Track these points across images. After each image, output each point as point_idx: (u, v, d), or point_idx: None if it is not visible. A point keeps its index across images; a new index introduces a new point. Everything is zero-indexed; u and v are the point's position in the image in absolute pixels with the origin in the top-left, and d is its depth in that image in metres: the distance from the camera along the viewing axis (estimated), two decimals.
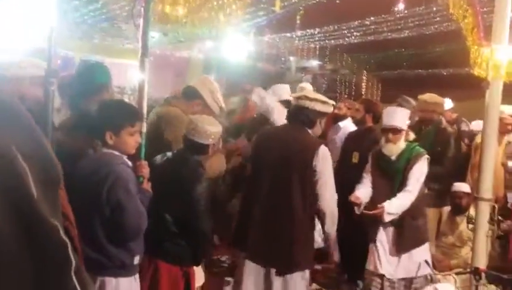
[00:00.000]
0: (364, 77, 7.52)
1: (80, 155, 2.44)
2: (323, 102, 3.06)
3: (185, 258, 2.69)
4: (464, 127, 4.52)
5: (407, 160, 3.46)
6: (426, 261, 3.55)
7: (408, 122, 3.73)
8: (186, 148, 2.78)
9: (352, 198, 3.41)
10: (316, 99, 3.05)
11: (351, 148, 4.39)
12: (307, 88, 5.25)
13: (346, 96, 7.17)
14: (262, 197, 2.96)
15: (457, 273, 3.57)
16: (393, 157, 3.50)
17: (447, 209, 4.50)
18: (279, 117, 3.61)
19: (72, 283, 0.80)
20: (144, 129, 2.57)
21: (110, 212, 2.24)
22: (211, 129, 2.75)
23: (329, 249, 3.35)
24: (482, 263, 3.72)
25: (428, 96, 4.58)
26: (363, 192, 3.54)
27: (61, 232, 0.80)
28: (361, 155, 4.18)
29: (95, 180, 2.25)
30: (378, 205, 3.35)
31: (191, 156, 2.74)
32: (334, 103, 3.23)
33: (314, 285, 4.44)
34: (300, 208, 2.90)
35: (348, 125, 4.86)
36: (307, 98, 3.07)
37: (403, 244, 3.48)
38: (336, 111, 4.87)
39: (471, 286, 3.42)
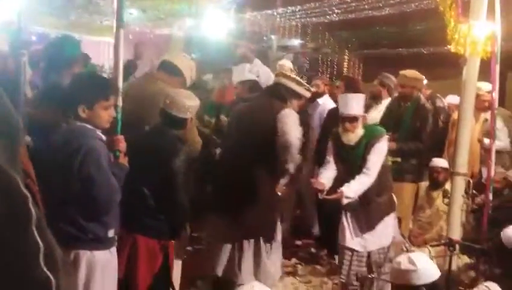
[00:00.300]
0: (346, 56, 7.51)
1: (53, 128, 2.41)
2: (299, 83, 3.08)
3: (163, 232, 2.70)
4: (439, 103, 4.57)
5: (366, 144, 3.47)
6: (393, 229, 3.68)
7: (380, 104, 3.73)
8: (164, 122, 2.76)
9: (315, 185, 3.42)
10: (291, 78, 3.08)
11: (332, 126, 4.41)
12: (286, 65, 5.24)
13: (328, 75, 7.16)
14: (229, 167, 2.98)
15: (432, 246, 3.67)
16: (352, 144, 3.50)
17: (424, 184, 4.57)
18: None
19: (33, 236, 0.78)
20: (120, 103, 2.54)
21: (81, 186, 2.22)
22: (189, 103, 2.73)
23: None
24: (456, 235, 3.81)
25: (409, 72, 4.61)
26: (326, 177, 3.55)
27: (21, 186, 0.79)
28: None
29: (67, 153, 2.23)
30: (338, 190, 3.40)
31: (168, 130, 2.73)
32: (312, 89, 3.25)
33: (294, 260, 4.52)
34: (264, 175, 2.91)
35: (326, 102, 4.87)
36: (282, 75, 3.10)
37: (370, 221, 3.56)
38: (314, 89, 4.87)
39: (446, 257, 3.53)
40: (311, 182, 3.47)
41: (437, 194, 4.51)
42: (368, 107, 5.03)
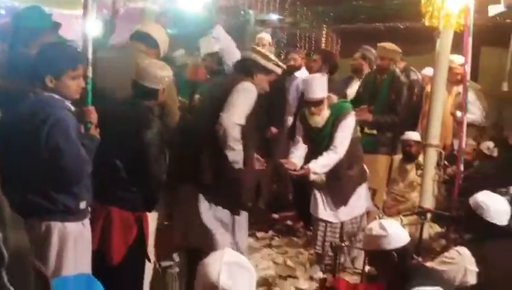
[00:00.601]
0: (323, 31, 7.48)
1: (21, 99, 2.35)
2: (267, 57, 3.05)
3: (137, 204, 2.69)
4: (413, 76, 4.61)
5: (333, 123, 3.49)
6: (366, 199, 3.78)
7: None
8: (135, 93, 2.72)
9: (286, 165, 3.44)
10: (259, 52, 3.05)
11: None
12: (265, 38, 5.19)
13: (306, 50, 7.13)
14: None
15: (404, 215, 3.76)
16: (319, 126, 3.53)
17: (398, 157, 4.65)
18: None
19: None
20: (90, 74, 2.49)
21: (50, 157, 2.19)
22: (161, 73, 2.69)
23: None
24: (428, 204, 3.92)
25: (388, 44, 4.63)
26: (298, 155, 3.59)
27: None
28: None
29: (34, 124, 2.18)
30: (304, 166, 3.42)
31: (140, 101, 2.69)
32: (283, 66, 3.21)
33: (271, 232, 4.58)
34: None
35: (303, 76, 4.87)
36: (253, 49, 3.08)
37: (343, 195, 3.64)
38: (292, 63, 4.87)
39: (417, 225, 3.63)
40: (283, 163, 3.49)
41: (410, 167, 4.61)
42: (349, 81, 5.08)
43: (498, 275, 2.47)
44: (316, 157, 3.48)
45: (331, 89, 4.43)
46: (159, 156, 2.66)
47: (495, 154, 4.30)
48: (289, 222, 4.84)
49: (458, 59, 4.23)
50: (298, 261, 3.98)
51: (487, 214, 2.56)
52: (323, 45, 7.39)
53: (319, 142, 3.55)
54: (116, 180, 2.65)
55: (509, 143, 6.46)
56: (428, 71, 4.83)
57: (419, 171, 4.27)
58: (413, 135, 4.48)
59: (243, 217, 3.08)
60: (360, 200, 3.72)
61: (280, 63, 3.15)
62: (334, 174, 3.57)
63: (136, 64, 2.77)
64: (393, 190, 4.68)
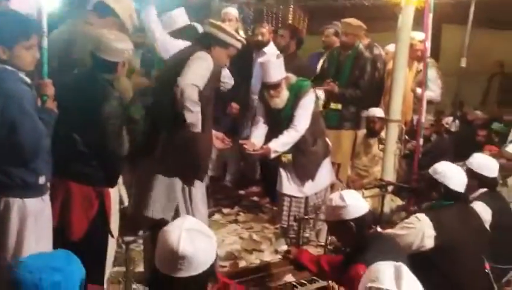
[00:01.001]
0: (290, 8, 7.44)
1: None
2: (225, 31, 3.00)
3: (98, 179, 2.65)
4: (376, 52, 4.67)
5: (293, 102, 3.50)
6: (330, 173, 3.85)
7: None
8: (94, 66, 2.65)
9: (246, 145, 3.44)
10: (217, 26, 3.01)
11: None
12: (232, 13, 5.09)
13: (273, 27, 7.08)
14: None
15: (366, 188, 3.86)
16: (279, 107, 3.52)
17: (362, 132, 4.74)
18: None
19: None
20: (45, 45, 2.41)
21: (5, 131, 2.12)
22: (120, 46, 2.62)
23: None
24: (390, 177, 4.05)
25: (353, 20, 4.65)
26: (258, 135, 3.60)
27: None
28: None
29: None
30: (264, 146, 3.46)
31: (98, 74, 2.63)
32: (243, 40, 3.17)
33: (237, 208, 4.62)
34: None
35: (271, 51, 4.81)
36: (210, 23, 3.02)
37: (308, 170, 3.68)
38: (260, 38, 4.81)
39: (379, 197, 3.74)
40: (241, 144, 3.49)
41: (373, 142, 4.71)
42: (320, 56, 5.08)
43: (452, 237, 2.60)
44: (276, 136, 3.51)
45: (296, 65, 4.48)
46: (118, 129, 2.62)
47: (453, 129, 4.44)
48: (255, 198, 4.88)
49: (419, 35, 4.31)
50: (264, 236, 4.04)
51: (447, 181, 2.69)
52: (290, 22, 7.35)
53: (280, 122, 3.57)
54: (76, 154, 2.60)
55: (468, 119, 6.72)
56: (392, 47, 4.91)
57: (382, 146, 4.37)
58: (377, 111, 4.56)
59: (200, 191, 3.07)
60: (324, 174, 3.78)
61: (239, 37, 3.10)
62: (300, 151, 3.61)
63: (93, 35, 2.69)
64: (357, 164, 4.78)
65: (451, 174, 2.72)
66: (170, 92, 2.74)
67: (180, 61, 2.85)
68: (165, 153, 2.89)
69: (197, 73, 2.78)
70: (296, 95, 3.51)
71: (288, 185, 3.70)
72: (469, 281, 2.56)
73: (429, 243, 2.59)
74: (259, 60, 4.05)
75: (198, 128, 2.81)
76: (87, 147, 2.59)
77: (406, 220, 2.75)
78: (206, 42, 2.98)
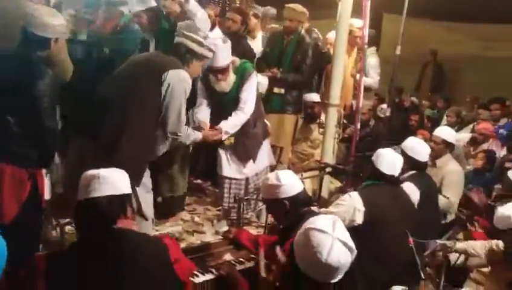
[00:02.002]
0: None
1: None
2: (202, 44, 3.04)
3: (31, 160, 2.56)
4: (314, 35, 4.78)
5: (238, 85, 3.54)
6: (268, 152, 3.95)
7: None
8: (25, 42, 2.54)
9: (202, 125, 3.50)
10: (196, 40, 3.03)
11: None
12: None
13: (219, 9, 7.00)
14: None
15: (306, 171, 3.98)
16: (226, 91, 3.55)
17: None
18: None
19: None
20: None
21: None
22: (52, 21, 2.53)
23: None
24: (329, 160, 4.18)
25: (297, 6, 4.70)
26: (202, 117, 3.63)
27: None
28: None
29: None
30: (216, 127, 3.50)
31: (30, 50, 2.52)
32: (213, 50, 3.17)
33: None
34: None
35: (216, 35, 4.73)
36: (186, 36, 3.02)
37: (249, 152, 3.75)
38: None
39: (317, 178, 3.88)
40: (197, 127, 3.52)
41: (314, 126, 4.85)
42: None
43: (379, 213, 2.80)
44: (221, 119, 3.54)
45: (241, 48, 4.51)
46: (52, 108, 2.53)
47: (388, 114, 4.65)
48: (198, 181, 4.89)
49: (357, 23, 4.45)
50: (205, 218, 4.06)
51: (378, 166, 2.92)
52: (238, 5, 7.30)
53: (226, 104, 3.60)
54: (8, 135, 2.49)
55: (404, 105, 7.05)
56: (332, 35, 5.04)
57: (321, 130, 4.50)
58: (314, 96, 4.69)
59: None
60: (263, 155, 3.86)
61: (211, 48, 3.11)
62: (243, 133, 3.66)
63: (23, 10, 2.57)
64: (298, 148, 4.91)
65: (387, 159, 2.96)
66: (131, 96, 2.77)
67: (151, 74, 2.85)
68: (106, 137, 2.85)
69: (182, 105, 2.97)
70: (242, 77, 3.55)
71: (228, 167, 3.74)
72: (393, 255, 2.74)
73: (359, 218, 2.76)
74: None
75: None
76: (20, 127, 2.49)
77: (339, 198, 2.90)
78: (183, 56, 3.00)
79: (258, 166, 3.79)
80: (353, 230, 2.71)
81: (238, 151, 3.72)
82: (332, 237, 1.69)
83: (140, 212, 3.03)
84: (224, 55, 3.41)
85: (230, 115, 3.56)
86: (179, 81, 2.92)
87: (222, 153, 3.73)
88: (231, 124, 3.54)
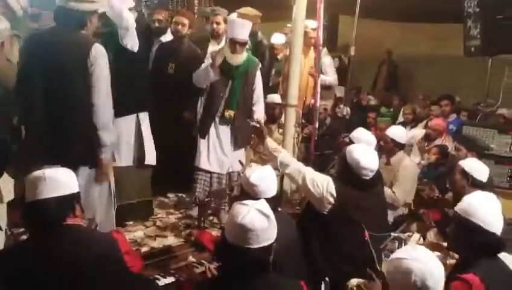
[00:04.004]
0: None
1: None
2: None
3: None
4: (260, 37, 4.86)
5: (246, 68, 3.90)
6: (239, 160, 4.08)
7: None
8: None
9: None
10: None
11: (166, 59, 4.39)
12: None
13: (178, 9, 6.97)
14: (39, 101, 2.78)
15: None
16: (236, 64, 3.85)
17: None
18: None
19: None
20: None
21: None
22: None
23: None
24: None
25: (249, 10, 4.77)
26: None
27: None
28: (177, 66, 4.27)
29: None
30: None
31: None
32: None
33: None
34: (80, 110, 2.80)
35: (168, 39, 4.69)
36: None
37: (239, 143, 4.05)
38: (157, 25, 4.67)
39: (278, 177, 3.93)
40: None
41: (274, 127, 4.91)
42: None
43: (348, 207, 2.84)
44: (222, 90, 3.90)
45: (192, 51, 4.49)
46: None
47: (345, 113, 4.76)
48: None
49: (311, 24, 4.55)
50: (168, 222, 4.05)
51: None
52: (196, 6, 7.28)
53: (231, 77, 3.88)
54: None
55: (362, 104, 7.23)
56: (275, 39, 5.22)
57: (281, 130, 4.57)
58: (275, 97, 4.75)
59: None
60: (238, 155, 4.06)
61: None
62: (244, 117, 3.93)
63: None
64: (259, 149, 4.95)
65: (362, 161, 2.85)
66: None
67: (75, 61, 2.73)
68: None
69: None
70: (249, 64, 3.91)
71: (206, 160, 3.93)
72: (346, 250, 2.81)
73: (328, 207, 2.80)
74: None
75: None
76: None
77: (320, 180, 2.87)
78: (80, 21, 2.79)
79: (234, 164, 3.99)
80: (320, 219, 2.81)
81: (238, 132, 3.99)
82: (249, 206, 1.87)
83: None
84: (246, 30, 3.76)
85: (227, 87, 3.87)
86: (101, 56, 2.82)
87: (212, 144, 3.94)
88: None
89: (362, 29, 6.15)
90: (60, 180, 1.88)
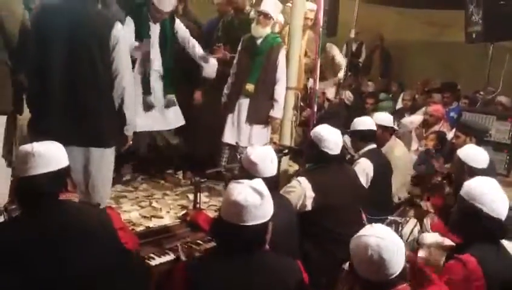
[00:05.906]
0: None
1: None
2: None
3: None
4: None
5: (271, 45, 4.13)
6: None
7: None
8: None
9: None
10: None
11: None
12: None
13: None
14: (59, 75, 2.77)
15: None
16: (258, 42, 4.13)
17: None
18: None
19: None
20: None
21: None
22: None
23: None
24: (287, 143, 4.23)
25: None
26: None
27: None
28: None
29: None
30: None
31: None
32: None
33: (140, 177, 4.54)
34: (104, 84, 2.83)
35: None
36: None
37: (257, 117, 4.21)
38: None
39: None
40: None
41: None
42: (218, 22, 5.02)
43: (329, 196, 2.82)
44: (246, 68, 4.18)
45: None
46: None
47: (348, 97, 4.73)
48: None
49: (310, 6, 4.49)
50: (164, 202, 4.03)
51: (322, 144, 2.86)
52: None
53: (253, 54, 4.15)
54: None
55: (362, 90, 7.19)
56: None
57: None
58: None
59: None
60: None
61: None
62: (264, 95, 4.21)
63: None
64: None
65: (327, 137, 2.91)
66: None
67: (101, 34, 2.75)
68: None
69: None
70: (273, 42, 4.12)
71: (229, 135, 4.21)
72: (347, 233, 2.79)
73: (310, 203, 2.79)
74: None
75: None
76: None
77: (289, 184, 2.90)
78: None
79: (261, 137, 4.20)
80: (307, 213, 2.79)
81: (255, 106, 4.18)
82: (244, 184, 1.85)
83: None
84: (273, 6, 4.07)
85: (250, 65, 4.15)
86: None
87: (235, 118, 4.23)
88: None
89: (362, 14, 6.09)
90: (49, 156, 1.84)
